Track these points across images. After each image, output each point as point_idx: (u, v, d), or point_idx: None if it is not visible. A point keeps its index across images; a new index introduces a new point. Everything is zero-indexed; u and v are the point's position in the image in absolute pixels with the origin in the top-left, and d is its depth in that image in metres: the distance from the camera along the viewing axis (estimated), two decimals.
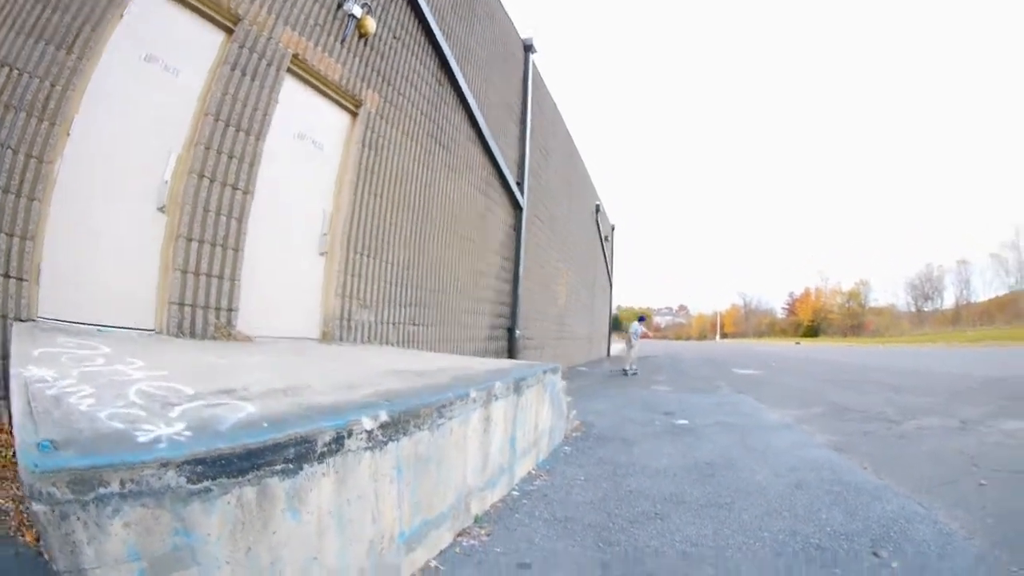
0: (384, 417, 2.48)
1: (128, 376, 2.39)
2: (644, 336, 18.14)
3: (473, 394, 3.41)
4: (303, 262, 5.33)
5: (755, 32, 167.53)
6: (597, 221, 25.04)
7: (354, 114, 5.97)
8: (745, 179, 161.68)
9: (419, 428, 2.77)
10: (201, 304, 3.93)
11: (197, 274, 3.90)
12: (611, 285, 33.26)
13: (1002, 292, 74.13)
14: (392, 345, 6.35)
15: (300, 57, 5.16)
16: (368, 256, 5.99)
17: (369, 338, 6.03)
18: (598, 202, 25.11)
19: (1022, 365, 20.13)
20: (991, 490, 5.11)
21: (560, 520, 3.84)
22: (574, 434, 6.72)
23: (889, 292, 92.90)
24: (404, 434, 2.64)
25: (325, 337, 5.45)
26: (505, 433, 4.04)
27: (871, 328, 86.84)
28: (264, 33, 4.75)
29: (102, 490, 1.51)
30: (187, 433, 1.80)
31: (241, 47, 4.52)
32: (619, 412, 8.75)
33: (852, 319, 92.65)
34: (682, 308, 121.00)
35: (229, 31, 4.51)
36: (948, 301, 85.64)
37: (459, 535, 3.31)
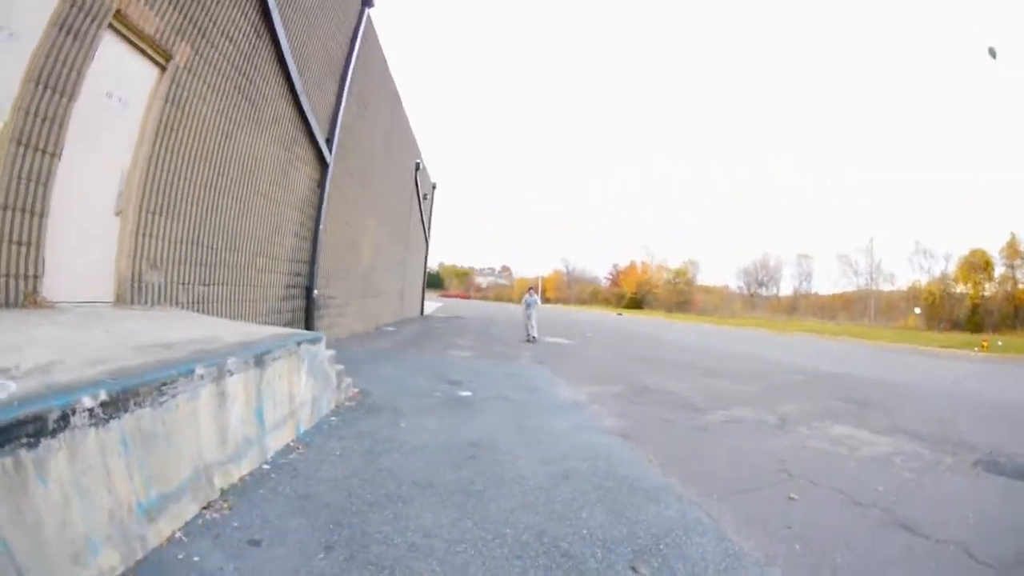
0: (103, 396, 2.81)
1: None
2: (546, 301, 20.53)
3: (200, 371, 3.65)
4: (102, 223, 5.66)
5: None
6: (416, 179, 25.97)
7: (163, 68, 6.23)
8: (577, 147, 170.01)
9: (140, 406, 3.07)
10: (13, 274, 4.34)
11: (9, 243, 4.30)
12: (427, 243, 34.29)
13: (848, 289, 79.27)
14: (182, 306, 6.79)
15: (122, 12, 5.41)
16: (160, 215, 6.37)
17: (160, 300, 6.43)
18: (419, 160, 25.93)
19: (863, 362, 19.83)
20: (803, 507, 4.78)
21: (301, 497, 3.98)
22: (347, 403, 6.90)
23: (719, 277, 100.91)
24: (125, 411, 2.95)
25: (119, 300, 5.83)
26: (248, 407, 4.29)
27: (699, 306, 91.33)
28: None
29: None
30: None
31: (72, 6, 4.80)
32: (405, 380, 9.05)
33: (679, 296, 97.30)
34: (505, 269, 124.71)
35: None
36: (785, 291, 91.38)
37: (205, 507, 3.56)
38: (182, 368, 3.51)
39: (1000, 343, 30.53)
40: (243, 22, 7.81)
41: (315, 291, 11.71)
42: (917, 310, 60.44)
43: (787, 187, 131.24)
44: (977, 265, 59.00)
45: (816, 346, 29.55)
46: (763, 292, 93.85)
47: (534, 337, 18.97)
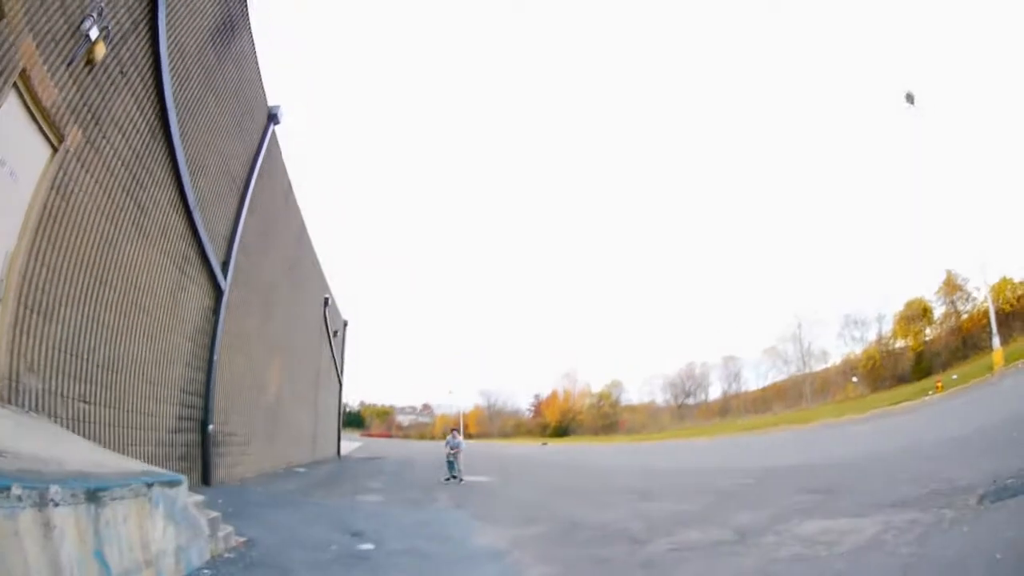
0: None
1: None
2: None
3: (17, 491, 3.42)
4: None
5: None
6: (325, 315, 26.02)
7: (55, 149, 6.14)
8: (486, 281, 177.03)
9: None
10: None
11: None
12: (341, 382, 33.77)
13: (780, 379, 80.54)
14: (59, 420, 6.32)
15: (27, 73, 5.38)
16: (39, 315, 6.05)
17: (39, 407, 6.00)
18: (327, 295, 26.18)
19: (812, 449, 19.55)
20: None
21: None
22: (226, 554, 6.30)
23: (645, 392, 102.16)
24: None
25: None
26: (84, 546, 4.01)
27: (625, 426, 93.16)
28: (10, 38, 5.05)
29: None
30: None
31: None
32: (301, 528, 8.47)
33: (604, 419, 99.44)
34: (426, 407, 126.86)
35: None
36: (714, 395, 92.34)
37: None
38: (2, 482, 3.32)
39: (955, 376, 31.80)
40: (138, 117, 7.84)
41: (210, 426, 11.10)
42: (854, 379, 63.35)
43: (707, 290, 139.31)
44: (915, 316, 62.15)
45: (754, 443, 30.14)
46: (691, 401, 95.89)
47: (460, 479, 17.72)
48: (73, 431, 6.52)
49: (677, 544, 7.18)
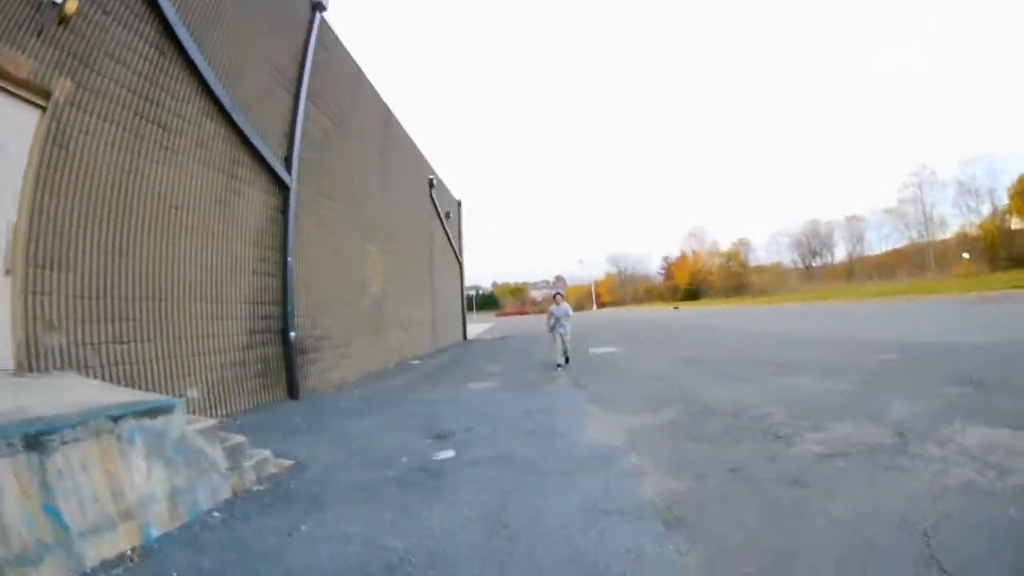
0: None
1: None
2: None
3: None
4: None
5: None
6: (432, 197, 26.09)
7: (43, 109, 6.34)
8: (613, 143, 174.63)
9: None
10: None
11: None
12: (461, 265, 34.13)
13: (901, 245, 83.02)
14: (92, 370, 6.66)
15: None
16: (53, 269, 6.34)
17: (66, 363, 6.34)
18: (431, 176, 26.11)
19: (946, 323, 19.03)
20: None
21: None
22: (256, 487, 5.69)
23: (772, 251, 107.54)
24: None
25: (20, 367, 5.86)
26: (30, 502, 3.81)
27: (755, 287, 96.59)
28: None
29: None
30: None
31: None
32: (374, 437, 7.85)
33: (733, 279, 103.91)
34: (559, 279, 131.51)
35: None
36: (839, 257, 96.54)
37: None
38: None
39: None
40: (139, 43, 7.84)
41: (293, 333, 11.42)
42: (965, 255, 63.29)
43: (829, 143, 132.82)
44: None
45: (886, 312, 30.11)
46: (817, 262, 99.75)
47: (561, 363, 15.65)
48: (109, 377, 6.90)
49: (828, 446, 6.22)
